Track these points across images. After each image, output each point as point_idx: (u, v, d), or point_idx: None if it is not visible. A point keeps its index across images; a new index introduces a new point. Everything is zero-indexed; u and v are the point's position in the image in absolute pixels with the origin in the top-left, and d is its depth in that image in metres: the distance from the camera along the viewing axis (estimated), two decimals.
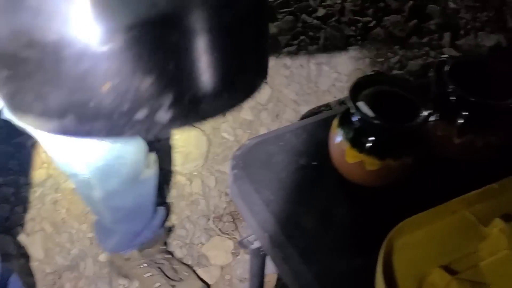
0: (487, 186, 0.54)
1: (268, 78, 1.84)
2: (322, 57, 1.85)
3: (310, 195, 0.57)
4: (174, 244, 1.36)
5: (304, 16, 1.94)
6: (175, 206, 1.43)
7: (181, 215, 1.42)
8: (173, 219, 1.40)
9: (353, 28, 1.94)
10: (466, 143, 0.57)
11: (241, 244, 0.66)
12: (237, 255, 1.36)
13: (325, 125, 0.63)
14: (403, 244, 0.50)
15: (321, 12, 1.93)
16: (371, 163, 0.53)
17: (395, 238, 0.50)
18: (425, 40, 1.90)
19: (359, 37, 1.92)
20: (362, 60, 1.86)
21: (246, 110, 1.68)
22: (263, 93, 1.72)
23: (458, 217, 0.53)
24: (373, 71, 0.60)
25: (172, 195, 1.45)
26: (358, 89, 0.54)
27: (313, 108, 1.71)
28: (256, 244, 0.66)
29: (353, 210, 0.56)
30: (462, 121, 0.57)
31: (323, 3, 1.95)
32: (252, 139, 0.64)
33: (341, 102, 1.73)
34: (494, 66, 0.60)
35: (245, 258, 1.35)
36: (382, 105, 0.54)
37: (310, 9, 1.93)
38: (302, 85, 1.79)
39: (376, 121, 0.50)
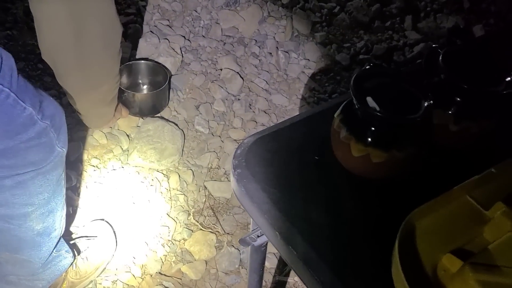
0: (485, 171, 0.56)
1: (238, 68, 1.82)
2: (290, 45, 1.86)
3: (317, 191, 0.57)
4: (156, 242, 1.34)
5: (269, 3, 1.93)
6: (154, 203, 1.41)
7: (160, 212, 1.40)
8: (153, 217, 1.38)
9: (318, 14, 1.95)
10: (462, 130, 0.59)
11: (243, 242, 0.66)
12: (220, 249, 1.36)
13: (322, 118, 0.63)
14: (414, 233, 0.52)
15: None
16: (377, 156, 0.54)
17: (407, 228, 0.51)
18: (388, 24, 1.94)
19: (324, 23, 1.93)
20: (329, 46, 1.88)
21: (218, 102, 1.66)
22: (235, 84, 1.71)
23: (460, 203, 0.55)
24: (369, 63, 0.60)
25: (150, 192, 1.42)
26: (359, 83, 0.55)
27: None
28: (260, 241, 0.66)
29: (361, 203, 0.57)
30: (458, 108, 0.59)
31: None
32: (250, 136, 0.63)
33: (312, 89, 1.75)
34: (482, 53, 0.61)
35: (229, 251, 1.35)
36: (382, 97, 0.55)
37: None
38: (272, 73, 1.79)
39: (383, 115, 0.51)
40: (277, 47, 1.84)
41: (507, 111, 0.60)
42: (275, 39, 1.87)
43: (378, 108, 0.51)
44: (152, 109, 1.53)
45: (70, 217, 1.32)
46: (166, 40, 1.73)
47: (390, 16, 1.97)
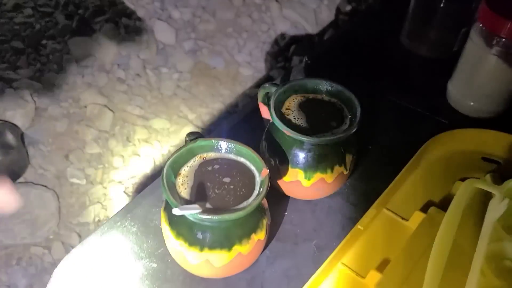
0: (352, 229, 0.48)
1: (105, 100, 1.63)
2: (158, 60, 1.70)
3: None
4: None
5: (123, 19, 1.74)
6: (38, 285, 1.21)
7: None
8: None
9: (180, 21, 1.81)
10: (315, 184, 0.50)
11: None
12: None
13: (154, 209, 0.51)
14: None
15: (141, 12, 1.75)
16: (219, 259, 0.42)
17: None
18: (254, 15, 1.85)
19: (189, 29, 1.80)
20: (199, 52, 1.75)
21: (90, 144, 1.47)
22: (105, 119, 1.52)
23: (337, 274, 0.46)
24: (189, 132, 0.48)
25: (30, 274, 1.22)
26: (170, 176, 0.43)
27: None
28: None
29: None
30: (305, 164, 0.49)
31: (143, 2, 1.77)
32: (64, 259, 0.49)
33: (192, 104, 1.62)
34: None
35: None
36: (205, 187, 0.43)
37: (129, 11, 1.74)
38: (145, 96, 1.63)
39: (204, 216, 0.39)
40: (144, 66, 1.68)
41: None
42: (139, 57, 1.70)
43: (197, 210, 0.39)
44: (10, 176, 1.31)
45: None
46: (10, 89, 1.49)
47: (253, 5, 1.88)
